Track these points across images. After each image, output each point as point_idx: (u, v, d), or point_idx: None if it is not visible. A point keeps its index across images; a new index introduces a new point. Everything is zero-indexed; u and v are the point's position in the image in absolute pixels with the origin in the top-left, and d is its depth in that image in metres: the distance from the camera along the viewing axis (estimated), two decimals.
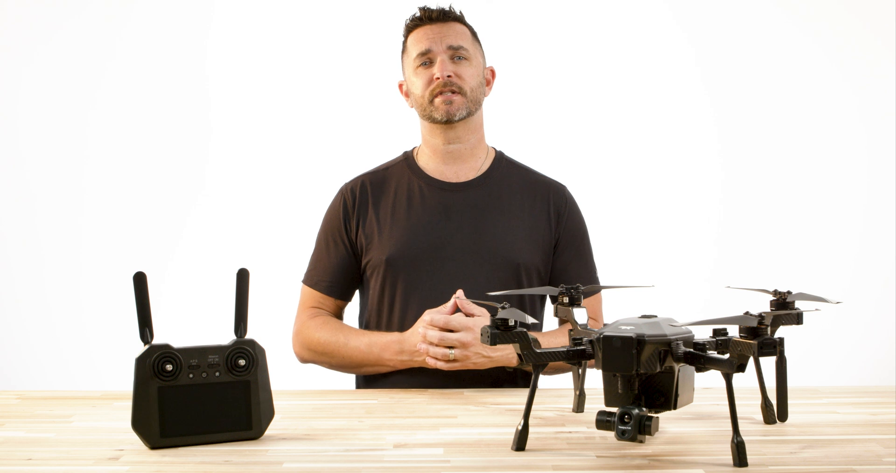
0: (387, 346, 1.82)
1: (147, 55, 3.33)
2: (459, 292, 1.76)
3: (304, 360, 1.97)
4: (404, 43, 1.97)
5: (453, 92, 1.88)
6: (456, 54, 1.90)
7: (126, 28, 3.34)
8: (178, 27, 3.33)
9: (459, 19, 1.95)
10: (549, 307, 2.02)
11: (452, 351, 1.71)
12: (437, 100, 1.88)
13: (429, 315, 1.74)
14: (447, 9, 1.94)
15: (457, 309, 1.75)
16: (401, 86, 1.99)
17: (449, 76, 1.87)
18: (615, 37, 3.37)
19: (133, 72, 3.33)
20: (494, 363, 1.75)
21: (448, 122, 1.89)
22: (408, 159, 2.00)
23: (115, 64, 3.33)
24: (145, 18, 3.33)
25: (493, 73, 2.00)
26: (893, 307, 3.27)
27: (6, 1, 3.32)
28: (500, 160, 2.00)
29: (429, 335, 1.72)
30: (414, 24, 1.94)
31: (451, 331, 1.72)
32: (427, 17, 1.92)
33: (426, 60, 1.90)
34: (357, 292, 2.02)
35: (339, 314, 2.01)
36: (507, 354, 1.75)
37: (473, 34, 1.96)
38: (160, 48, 3.33)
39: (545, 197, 1.97)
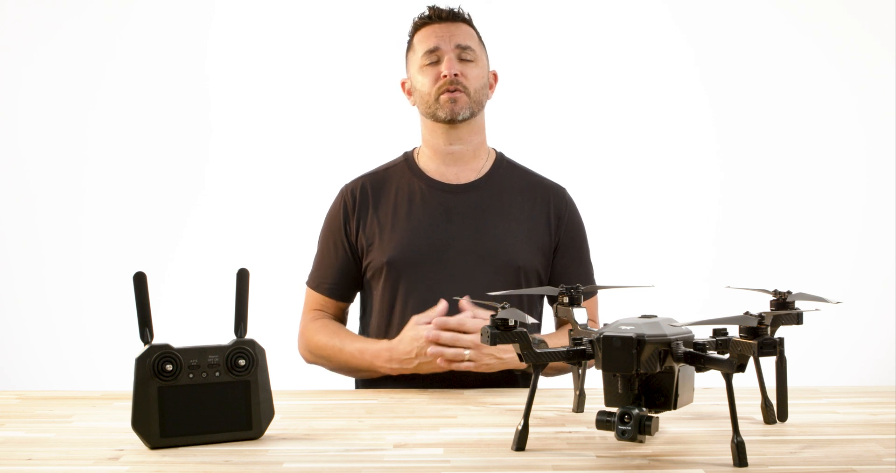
0: (377, 354, 1.81)
1: (147, 55, 3.33)
2: (465, 298, 1.74)
3: (308, 361, 1.98)
4: (410, 40, 1.96)
5: (459, 91, 1.88)
6: (463, 54, 1.90)
7: (126, 28, 3.33)
8: (178, 27, 3.33)
9: (468, 21, 1.95)
10: (546, 309, 2.02)
11: (468, 352, 1.70)
12: (443, 97, 1.88)
13: (440, 319, 1.71)
14: (456, 10, 1.94)
15: (446, 313, 1.73)
16: (403, 84, 1.99)
17: (456, 75, 1.87)
18: (614, 38, 3.37)
19: (133, 72, 3.33)
20: (505, 365, 1.75)
21: (451, 121, 1.89)
22: (408, 160, 1.99)
23: (115, 64, 3.33)
24: (145, 18, 3.33)
25: (495, 76, 2.00)
26: (893, 307, 3.27)
27: (6, 1, 3.32)
28: (501, 162, 2.00)
29: (442, 337, 1.70)
30: (422, 22, 1.94)
31: (465, 333, 1.71)
32: (437, 16, 1.93)
33: (434, 58, 1.90)
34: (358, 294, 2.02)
35: (341, 316, 2.01)
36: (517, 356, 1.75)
37: (479, 37, 1.96)
38: (160, 48, 3.33)
39: (545, 200, 1.96)
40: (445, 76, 1.87)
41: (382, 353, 1.80)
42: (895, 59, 3.30)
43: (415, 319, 1.76)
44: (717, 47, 3.37)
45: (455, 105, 1.88)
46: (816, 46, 3.35)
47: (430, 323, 1.73)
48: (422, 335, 1.72)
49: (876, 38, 3.31)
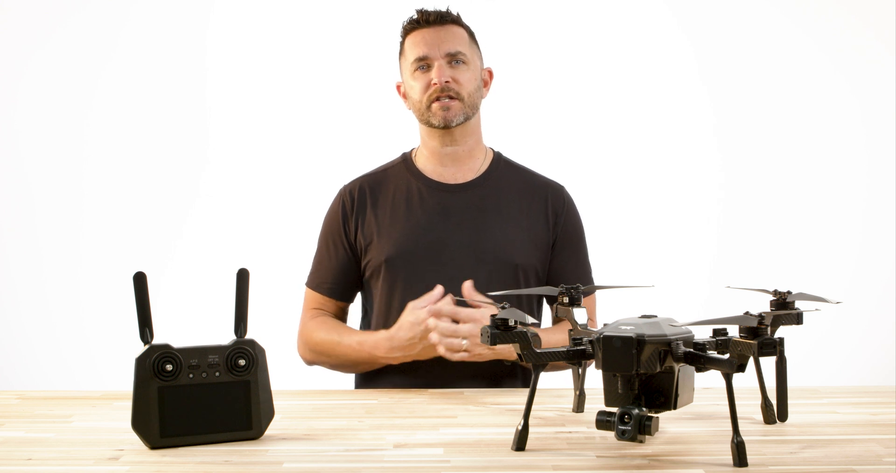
0: (377, 344, 1.81)
1: (146, 56, 3.33)
2: (468, 284, 1.76)
3: (308, 361, 1.97)
4: (402, 45, 1.95)
5: (451, 98, 1.87)
6: (453, 59, 1.88)
7: (126, 28, 3.34)
8: (178, 27, 3.33)
9: (457, 22, 1.92)
10: (545, 307, 2.02)
11: (465, 341, 1.70)
12: (435, 105, 1.87)
13: (430, 307, 1.71)
14: (444, 12, 1.91)
15: (441, 297, 1.74)
16: (398, 87, 1.99)
17: (447, 82, 1.86)
18: (614, 36, 3.37)
19: (132, 72, 3.33)
20: (496, 355, 1.74)
21: (445, 127, 1.89)
22: (406, 161, 1.99)
23: (114, 64, 3.33)
24: (145, 18, 3.33)
25: (490, 74, 1.99)
26: (893, 307, 3.27)
27: (6, 1, 3.32)
28: (499, 161, 1.99)
29: (440, 328, 1.70)
30: (411, 27, 1.92)
31: (458, 322, 1.71)
32: (424, 21, 1.90)
33: (423, 64, 1.89)
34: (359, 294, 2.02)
35: (341, 316, 2.01)
36: (508, 348, 1.75)
37: (471, 36, 1.94)
38: (159, 49, 3.33)
39: (543, 198, 1.96)
40: (436, 84, 1.86)
41: (382, 342, 1.79)
42: (895, 59, 3.30)
43: (412, 304, 1.75)
44: (718, 47, 3.37)
45: (448, 113, 1.87)
46: (817, 46, 3.35)
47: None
48: (422, 318, 1.72)
49: (877, 38, 3.32)
